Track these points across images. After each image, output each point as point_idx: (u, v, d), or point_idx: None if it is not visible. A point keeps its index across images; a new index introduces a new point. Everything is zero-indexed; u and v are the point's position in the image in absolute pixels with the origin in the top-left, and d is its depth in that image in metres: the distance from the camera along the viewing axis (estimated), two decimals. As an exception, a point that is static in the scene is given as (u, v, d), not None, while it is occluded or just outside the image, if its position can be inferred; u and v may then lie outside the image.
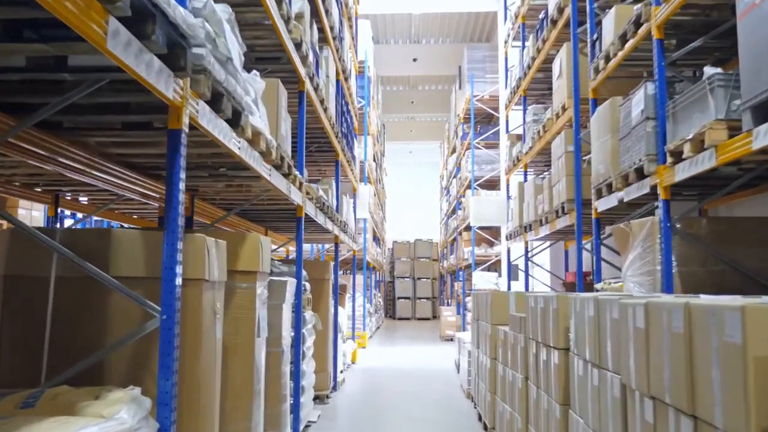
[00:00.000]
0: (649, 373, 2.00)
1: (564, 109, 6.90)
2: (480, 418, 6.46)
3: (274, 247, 9.92)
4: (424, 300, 24.89)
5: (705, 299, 1.91)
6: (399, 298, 25.05)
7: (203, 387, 2.88)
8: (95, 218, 9.26)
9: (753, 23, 3.07)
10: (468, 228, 15.74)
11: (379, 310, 20.45)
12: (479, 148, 16.05)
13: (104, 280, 2.54)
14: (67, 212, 8.68)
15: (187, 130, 2.59)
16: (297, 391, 5.39)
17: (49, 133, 3.43)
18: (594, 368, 2.79)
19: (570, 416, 3.23)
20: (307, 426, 6.04)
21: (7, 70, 2.50)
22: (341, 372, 8.96)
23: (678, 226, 4.31)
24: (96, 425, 1.99)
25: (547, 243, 10.62)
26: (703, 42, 4.60)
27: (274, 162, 4.18)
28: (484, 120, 17.43)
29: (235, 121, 3.27)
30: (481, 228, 15.77)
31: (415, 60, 20.85)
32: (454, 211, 19.68)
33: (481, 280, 14.13)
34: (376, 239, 19.76)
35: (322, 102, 6.64)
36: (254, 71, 3.83)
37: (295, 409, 5.37)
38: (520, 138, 10.18)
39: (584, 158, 6.44)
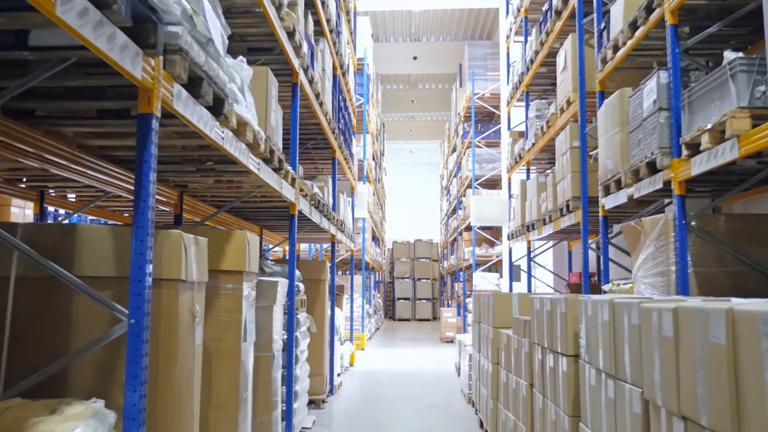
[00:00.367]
0: (679, 389, 1.75)
1: (569, 103, 6.64)
2: (481, 425, 6.20)
3: (269, 246, 9.67)
4: (424, 301, 24.63)
5: (743, 303, 1.65)
6: (399, 299, 24.80)
7: (179, 397, 2.62)
8: (90, 218, 9.02)
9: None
10: (468, 228, 15.48)
11: (378, 311, 20.19)
12: (480, 147, 15.80)
13: (67, 279, 2.29)
14: (61, 211, 8.42)
15: (159, 115, 2.34)
16: (289, 397, 5.13)
17: (20, 122, 3.18)
18: (609, 378, 2.54)
19: (581, 429, 2.97)
20: (301, 433, 5.79)
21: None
22: (338, 375, 8.71)
23: (693, 223, 4.06)
24: (44, 447, 1.74)
25: (550, 243, 10.36)
26: (719, 28, 4.34)
27: (262, 155, 3.93)
28: (485, 118, 17.19)
29: (217, 108, 3.02)
30: (482, 228, 15.52)
31: (415, 58, 20.60)
32: (454, 211, 19.43)
33: (482, 281, 13.88)
34: (376, 239, 19.50)
35: (317, 96, 6.39)
36: (241, 57, 3.58)
37: (288, 415, 5.12)
38: (522, 135, 9.93)
39: (590, 153, 6.18)
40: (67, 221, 7.51)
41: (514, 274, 11.20)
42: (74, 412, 2.01)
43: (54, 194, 5.46)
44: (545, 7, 7.90)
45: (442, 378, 9.57)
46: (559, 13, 7.10)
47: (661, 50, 5.36)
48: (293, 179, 5.10)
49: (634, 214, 5.91)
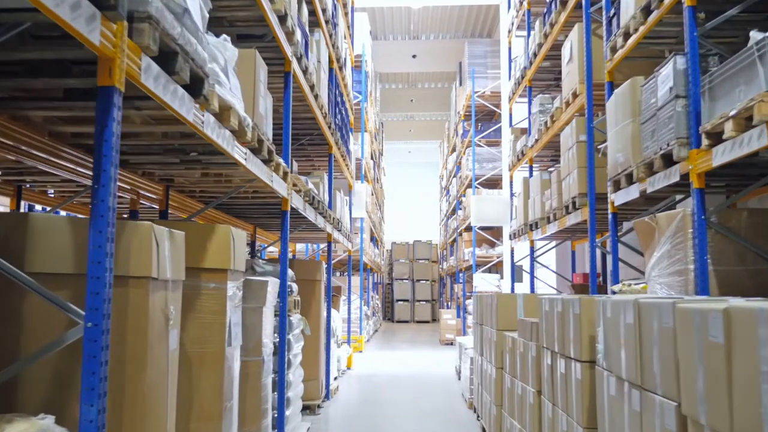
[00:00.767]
0: (732, 406, 1.46)
1: (575, 95, 6.36)
2: (484, 432, 5.92)
3: (264, 246, 9.38)
4: (423, 302, 24.34)
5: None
6: (397, 300, 24.50)
7: (150, 409, 2.33)
8: (73, 215, 8.72)
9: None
10: (468, 228, 15.20)
11: (376, 312, 19.89)
12: (480, 146, 15.52)
13: (16, 277, 2.00)
14: (39, 207, 8.11)
15: (122, 89, 2.05)
16: (281, 404, 4.84)
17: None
18: (633, 389, 2.25)
19: (598, 443, 2.69)
20: (294, 441, 5.49)
21: None
22: (335, 379, 8.41)
23: (713, 219, 3.77)
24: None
25: (553, 243, 10.07)
26: (738, 11, 4.06)
27: (250, 144, 3.65)
28: (485, 117, 16.91)
29: (196, 89, 2.74)
30: (482, 228, 15.23)
31: (414, 56, 20.32)
32: (454, 211, 19.15)
33: (483, 282, 13.59)
34: (374, 240, 19.22)
35: (312, 88, 6.10)
36: (224, 36, 3.30)
37: (279, 423, 4.82)
38: (524, 132, 9.65)
39: (598, 148, 5.90)
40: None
41: (515, 275, 10.90)
42: (16, 430, 1.72)
43: (32, 189, 5.17)
44: (549, -3, 7.62)
45: (442, 382, 9.28)
46: (564, 3, 6.82)
47: (673, 38, 5.09)
48: (285, 173, 4.82)
49: (642, 212, 5.63)
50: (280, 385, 4.82)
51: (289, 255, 11.37)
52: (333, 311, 8.60)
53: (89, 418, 1.89)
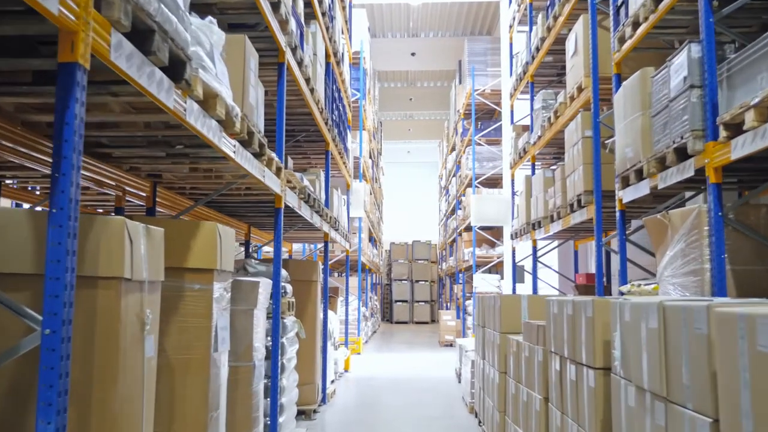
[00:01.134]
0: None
1: (580, 89, 6.14)
2: (486, 439, 5.69)
3: (260, 246, 9.16)
4: (423, 303, 24.10)
5: None
6: (396, 301, 24.27)
7: (121, 423, 2.11)
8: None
9: None
10: (468, 228, 14.98)
11: (375, 313, 19.67)
12: (480, 145, 15.31)
13: (-33, 278, 1.78)
14: (26, 205, 7.87)
15: (87, 67, 1.83)
16: (274, 411, 4.61)
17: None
18: (657, 400, 2.03)
19: (615, 459, 2.47)
20: (288, 449, 5.27)
21: None
22: (332, 382, 8.19)
23: (731, 216, 3.56)
24: None
25: (555, 243, 9.86)
26: (754, -2, 3.85)
27: (239, 136, 3.42)
28: (485, 116, 16.70)
29: (177, 72, 2.51)
30: (482, 228, 15.01)
31: (413, 54, 20.11)
32: (453, 211, 18.93)
33: (483, 282, 13.36)
34: (372, 240, 19.00)
35: (308, 81, 5.88)
36: (210, 18, 3.08)
37: (272, 431, 4.60)
38: (526, 129, 9.42)
39: (605, 143, 5.68)
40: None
41: (517, 276, 10.68)
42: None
43: (14, 186, 4.94)
44: (552, -11, 7.40)
45: (441, 385, 9.05)
46: (568, -6, 6.61)
47: (684, 27, 4.87)
48: (279, 168, 4.59)
49: (650, 210, 5.42)
50: (272, 390, 4.60)
51: (286, 255, 11.14)
52: (330, 313, 8.38)
53: (46, 437, 1.66)
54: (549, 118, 7.35)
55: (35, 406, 1.92)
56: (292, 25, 4.97)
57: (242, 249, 8.11)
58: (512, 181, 10.10)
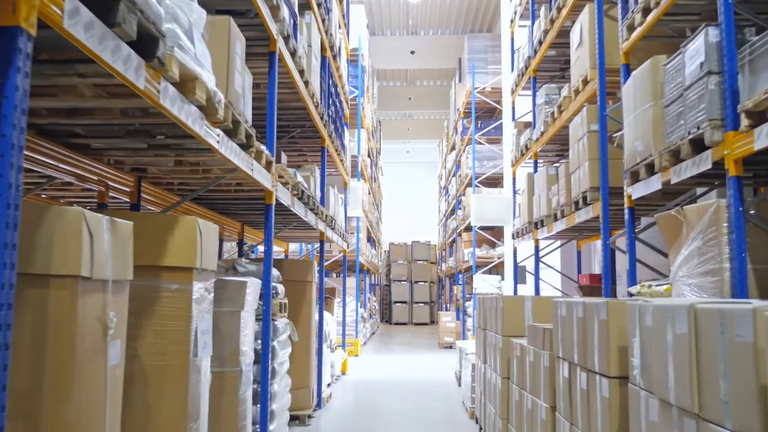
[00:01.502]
0: None
1: (585, 82, 5.89)
2: (487, 447, 5.44)
3: (254, 245, 8.90)
4: (422, 304, 23.86)
5: None
6: (395, 302, 24.02)
7: (79, 443, 1.86)
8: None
9: None
10: (468, 228, 14.74)
11: (374, 315, 19.42)
12: (480, 143, 15.07)
13: None
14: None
15: (32, 32, 1.58)
16: (264, 418, 4.36)
17: None
18: (687, 417, 1.78)
19: (634, 479, 2.22)
20: (280, 457, 5.01)
21: None
22: (328, 386, 7.94)
23: (752, 211, 3.31)
24: None
25: (557, 243, 9.61)
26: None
27: (222, 125, 3.18)
28: (485, 114, 16.46)
29: (148, 49, 2.27)
30: (483, 228, 14.77)
31: (412, 53, 19.86)
32: (453, 211, 18.68)
33: (483, 283, 13.12)
34: (371, 240, 18.75)
35: (302, 73, 5.63)
36: (190, -6, 2.83)
37: (262, 440, 4.35)
38: (528, 125, 9.18)
39: (612, 137, 5.44)
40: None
41: (518, 276, 10.44)
42: None
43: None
44: (556, -20, 7.16)
45: (441, 388, 8.80)
46: (573, -16, 6.37)
47: (697, 14, 4.64)
48: (269, 162, 4.35)
49: (659, 208, 5.17)
50: (262, 397, 4.35)
51: (282, 255, 10.89)
52: (326, 314, 8.13)
53: (-23, 462, 1.41)
54: (552, 113, 7.11)
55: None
56: (284, 12, 4.73)
57: (228, 248, 7.86)
58: (513, 179, 9.86)
